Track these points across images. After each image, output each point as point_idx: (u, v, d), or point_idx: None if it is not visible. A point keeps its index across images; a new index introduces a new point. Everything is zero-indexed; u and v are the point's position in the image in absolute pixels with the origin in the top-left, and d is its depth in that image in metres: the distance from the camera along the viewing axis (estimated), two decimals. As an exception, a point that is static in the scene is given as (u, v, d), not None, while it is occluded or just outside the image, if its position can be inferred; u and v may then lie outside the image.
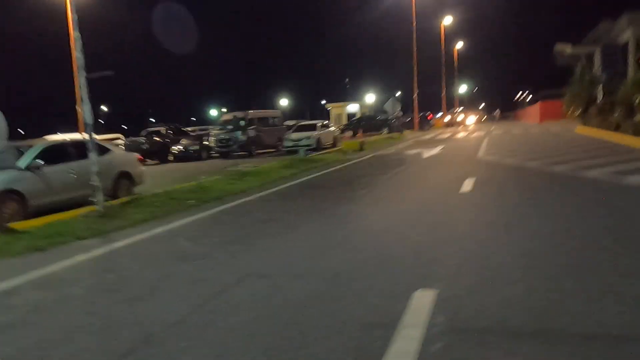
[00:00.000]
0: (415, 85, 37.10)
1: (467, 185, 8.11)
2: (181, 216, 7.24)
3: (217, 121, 24.40)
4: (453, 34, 53.98)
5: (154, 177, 15.90)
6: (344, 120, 45.21)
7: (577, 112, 24.14)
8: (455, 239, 4.83)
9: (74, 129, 35.40)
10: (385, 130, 36.18)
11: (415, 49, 36.67)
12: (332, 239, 5.29)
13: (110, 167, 9.54)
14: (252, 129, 22.60)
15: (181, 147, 23.53)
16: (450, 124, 45.60)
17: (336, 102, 49.74)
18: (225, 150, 22.34)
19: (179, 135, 25.85)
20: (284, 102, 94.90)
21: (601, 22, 36.07)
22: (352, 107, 47.01)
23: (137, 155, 11.13)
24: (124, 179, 9.91)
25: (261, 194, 9.21)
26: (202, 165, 19.07)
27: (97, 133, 8.13)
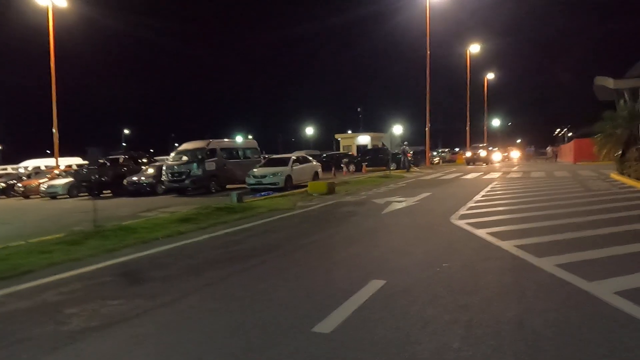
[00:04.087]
0: (428, 117, 33.10)
1: (348, 307, 4.11)
2: None
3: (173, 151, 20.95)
4: (487, 65, 50.08)
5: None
6: (354, 153, 41.56)
7: (615, 154, 19.48)
8: None
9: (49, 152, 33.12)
10: (393, 166, 32.19)
11: (428, 79, 32.86)
12: None
13: None
14: (212, 161, 19.10)
15: (133, 180, 20.24)
16: (472, 160, 41.00)
17: (371, 132, 45.57)
18: (177, 186, 18.86)
19: (139, 164, 22.66)
20: (309, 131, 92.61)
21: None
22: (363, 139, 43.20)
23: None
24: None
25: (44, 280, 5.48)
26: (133, 204, 15.61)
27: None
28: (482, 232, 7.34)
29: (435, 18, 34.18)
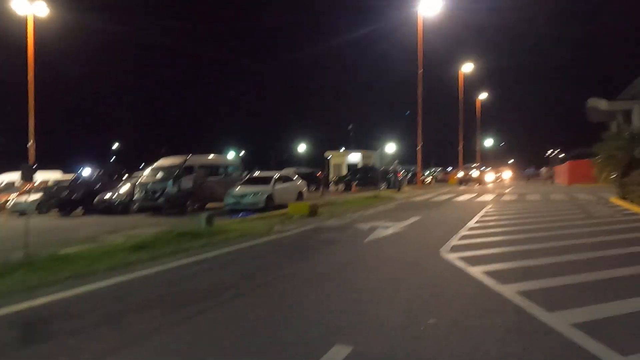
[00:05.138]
0: (419, 137, 32.13)
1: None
2: None
3: (147, 167, 19.71)
4: (479, 86, 49.54)
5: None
6: (344, 171, 40.55)
7: (612, 176, 18.52)
8: None
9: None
10: (384, 186, 31.10)
11: (420, 98, 32.03)
12: None
13: None
14: (189, 179, 17.89)
15: (104, 198, 18.96)
16: (464, 180, 40.13)
17: (362, 149, 44.27)
18: (149, 204, 17.59)
19: (115, 180, 21.39)
20: (301, 148, 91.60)
21: (639, 77, 30.82)
22: (354, 157, 42.19)
23: None
24: None
25: None
26: (101, 223, 14.25)
27: None
28: (477, 271, 6.19)
29: (428, 38, 33.60)
